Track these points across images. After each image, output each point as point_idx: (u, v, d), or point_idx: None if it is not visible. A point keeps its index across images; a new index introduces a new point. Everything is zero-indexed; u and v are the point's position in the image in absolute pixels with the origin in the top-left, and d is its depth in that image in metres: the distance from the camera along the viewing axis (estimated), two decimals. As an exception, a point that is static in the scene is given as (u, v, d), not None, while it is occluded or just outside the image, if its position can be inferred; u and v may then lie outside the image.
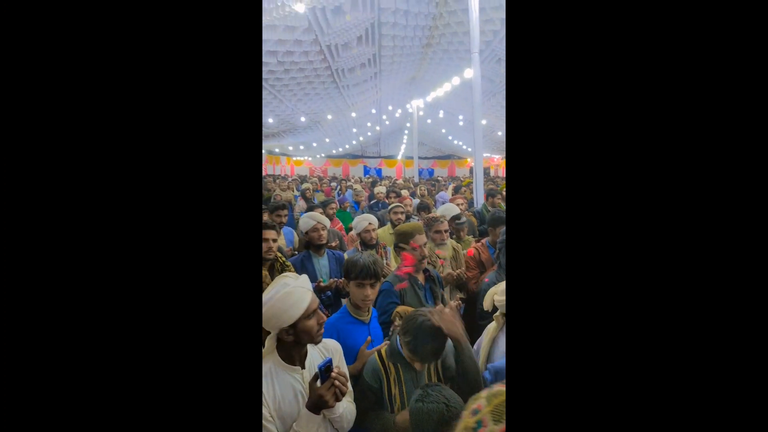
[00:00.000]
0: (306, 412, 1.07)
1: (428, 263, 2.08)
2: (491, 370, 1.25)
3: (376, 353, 1.33)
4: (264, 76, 7.66)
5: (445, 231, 2.53)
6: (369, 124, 15.36)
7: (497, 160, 20.65)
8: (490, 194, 4.22)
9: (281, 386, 1.11)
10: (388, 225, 3.35)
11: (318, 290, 2.16)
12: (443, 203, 5.54)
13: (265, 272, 2.11)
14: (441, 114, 13.91)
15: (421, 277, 1.98)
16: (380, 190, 5.87)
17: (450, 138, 18.48)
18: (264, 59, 6.98)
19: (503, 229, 2.26)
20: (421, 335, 1.18)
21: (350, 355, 1.41)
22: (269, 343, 1.15)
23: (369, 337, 1.46)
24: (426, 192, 6.62)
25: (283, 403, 1.10)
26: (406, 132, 17.44)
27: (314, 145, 17.62)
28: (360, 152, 22.18)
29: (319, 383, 1.08)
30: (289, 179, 12.81)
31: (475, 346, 1.42)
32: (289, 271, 2.19)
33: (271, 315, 1.08)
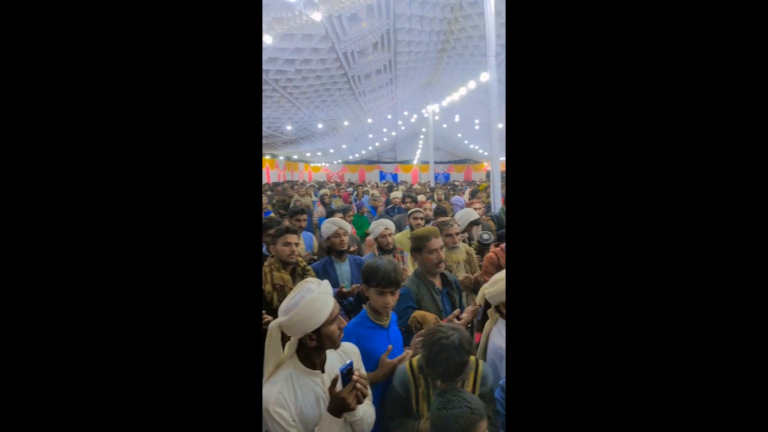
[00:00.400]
0: (328, 416, 1.08)
1: (445, 267, 2.07)
2: (502, 387, 1.25)
3: (407, 363, 1.33)
4: (282, 84, 7.80)
5: (457, 234, 2.52)
6: (385, 130, 15.44)
7: (515, 164, 20.37)
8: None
9: (302, 391, 1.13)
10: (406, 230, 3.36)
11: (340, 296, 2.17)
12: (459, 207, 5.54)
13: (287, 276, 2.14)
14: (457, 118, 13.88)
15: (437, 282, 1.97)
16: (396, 195, 5.88)
17: (466, 142, 18.40)
18: (282, 68, 7.11)
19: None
20: (436, 353, 1.15)
21: (368, 360, 1.41)
22: (289, 348, 1.17)
23: (390, 346, 1.46)
24: (443, 196, 6.60)
25: (305, 407, 1.11)
26: (422, 137, 17.43)
27: (331, 151, 17.81)
28: (376, 158, 22.30)
29: (340, 386, 1.09)
30: (307, 185, 12.98)
31: None
32: (310, 275, 2.21)
33: (296, 321, 1.10)
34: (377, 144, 18.47)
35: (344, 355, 1.24)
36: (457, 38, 8.17)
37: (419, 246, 1.95)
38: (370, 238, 3.31)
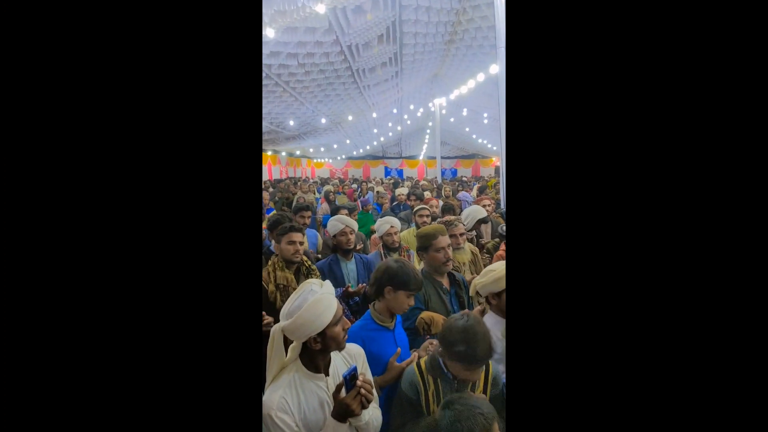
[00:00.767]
0: (332, 421, 1.07)
1: (453, 267, 2.06)
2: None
3: (414, 365, 1.33)
4: (285, 78, 7.79)
5: (461, 235, 2.50)
6: (390, 124, 15.38)
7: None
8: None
9: (306, 395, 1.12)
10: (412, 228, 3.34)
11: (346, 296, 2.16)
12: (467, 204, 5.50)
13: (290, 275, 2.13)
14: (465, 112, 13.79)
15: (445, 281, 1.96)
16: (402, 191, 5.87)
17: (474, 137, 18.30)
18: (285, 62, 7.10)
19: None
20: (471, 337, 1.16)
21: (375, 363, 1.40)
22: (292, 353, 1.16)
23: (398, 349, 1.45)
24: (451, 193, 6.56)
25: (309, 411, 1.11)
26: (428, 131, 17.37)
27: (335, 146, 17.79)
28: (381, 153, 22.26)
29: (344, 392, 1.08)
30: (310, 181, 13.00)
31: None
32: (315, 275, 2.20)
33: (300, 324, 1.09)
34: (382, 139, 18.45)
35: (349, 357, 1.24)
36: (465, 29, 8.10)
37: (425, 244, 1.94)
38: (375, 236, 3.30)
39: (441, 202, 4.77)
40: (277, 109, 9.83)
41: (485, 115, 13.58)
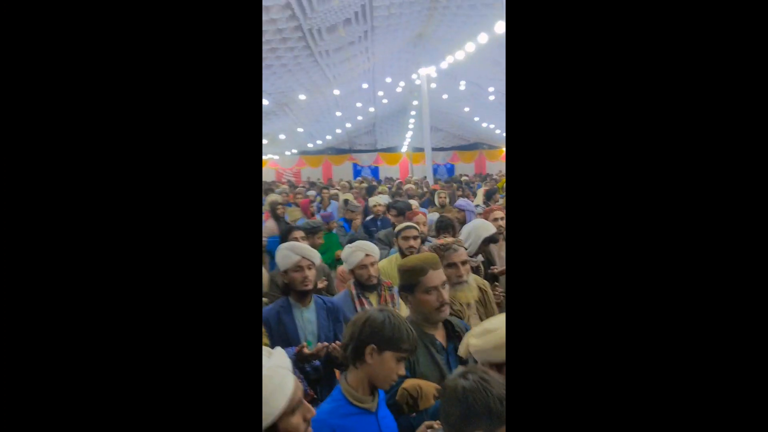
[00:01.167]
0: None
1: (450, 312, 2.06)
2: None
3: None
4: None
5: (463, 263, 2.40)
6: (359, 105, 15.52)
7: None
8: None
9: None
10: (395, 255, 3.35)
11: (300, 359, 2.14)
12: (471, 215, 5.52)
13: None
14: (462, 85, 14.05)
15: (440, 334, 1.95)
16: (378, 200, 5.90)
17: (476, 119, 18.63)
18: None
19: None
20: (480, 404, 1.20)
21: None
22: None
23: None
24: (447, 200, 6.62)
25: None
26: (413, 113, 17.58)
27: (281, 137, 17.74)
28: (347, 144, 22.37)
29: None
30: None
31: None
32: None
33: None
34: (348, 125, 18.53)
35: None
36: (459, -27, 8.32)
37: (411, 282, 1.92)
38: (343, 268, 3.29)
39: (432, 216, 4.81)
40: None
41: (490, 89, 13.86)
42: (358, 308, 2.63)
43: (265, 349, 1.19)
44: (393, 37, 10.66)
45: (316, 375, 2.26)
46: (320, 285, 3.04)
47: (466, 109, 17.38)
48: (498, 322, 1.54)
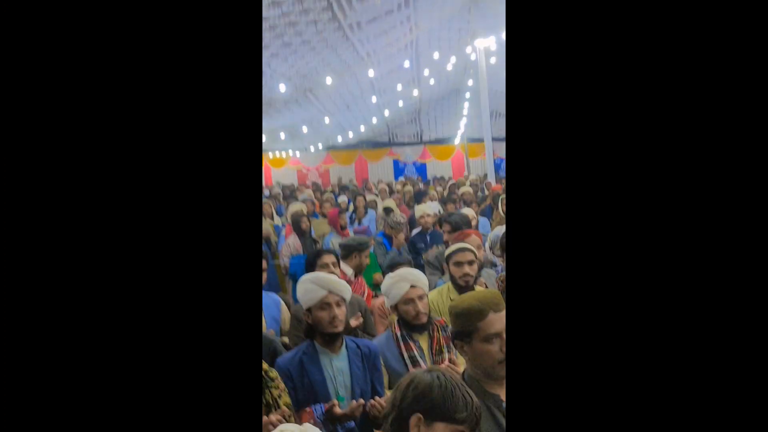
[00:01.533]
0: None
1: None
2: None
3: None
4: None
5: None
6: (400, 88, 15.52)
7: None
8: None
9: None
10: (447, 284, 3.29)
11: (331, 419, 2.14)
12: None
13: None
14: (530, 59, 13.90)
15: (504, 393, 1.91)
16: (426, 209, 5.83)
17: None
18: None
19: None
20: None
21: None
22: None
23: None
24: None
25: None
26: (468, 96, 17.51)
27: (304, 129, 17.96)
28: (386, 136, 22.42)
29: None
30: (264, 193, 13.01)
31: None
32: (276, 386, 2.19)
33: None
34: (387, 113, 18.59)
35: None
36: None
37: (467, 328, 1.90)
38: (381, 300, 3.24)
39: (498, 230, 4.68)
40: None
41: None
42: (404, 354, 2.63)
43: (293, 427, 1.19)
44: (441, 2, 10.63)
45: (350, 439, 2.25)
46: (354, 323, 3.04)
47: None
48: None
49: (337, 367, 2.44)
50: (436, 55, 13.46)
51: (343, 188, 14.18)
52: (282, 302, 3.69)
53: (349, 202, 9.41)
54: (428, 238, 5.46)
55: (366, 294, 3.90)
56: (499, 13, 11.42)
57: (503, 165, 20.97)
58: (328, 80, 12.05)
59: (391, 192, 10.93)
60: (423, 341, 2.69)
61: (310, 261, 3.54)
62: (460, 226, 4.26)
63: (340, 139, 20.81)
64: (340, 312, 2.42)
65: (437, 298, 3.15)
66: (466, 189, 8.95)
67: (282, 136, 18.12)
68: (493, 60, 13.32)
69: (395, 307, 2.73)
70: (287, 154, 21.99)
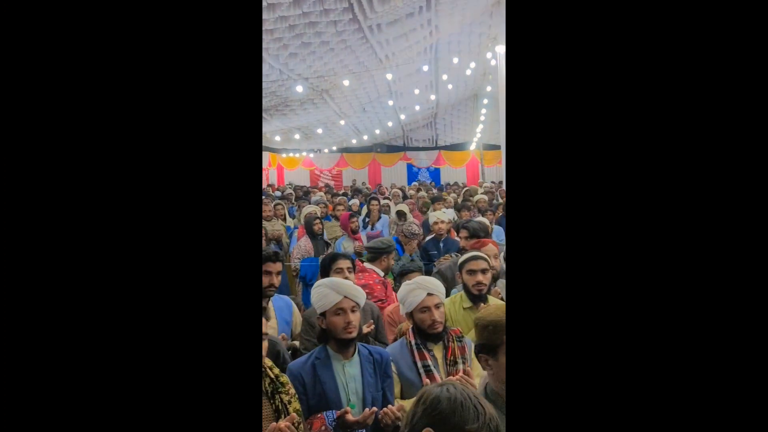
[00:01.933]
0: None
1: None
2: None
3: None
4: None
5: None
6: (417, 92, 15.54)
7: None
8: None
9: None
10: (459, 293, 3.27)
11: (342, 426, 2.14)
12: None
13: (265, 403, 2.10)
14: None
15: None
16: (441, 215, 5.79)
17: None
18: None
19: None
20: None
21: None
22: None
23: None
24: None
25: None
26: (486, 102, 17.47)
27: (319, 131, 18.01)
28: (401, 140, 22.43)
29: None
30: (275, 195, 13.00)
31: None
32: (286, 391, 2.17)
33: None
34: (402, 117, 18.61)
35: None
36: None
37: (494, 342, 1.89)
38: (393, 309, 3.22)
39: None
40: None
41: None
42: (418, 363, 2.61)
43: None
44: (463, 6, 10.60)
45: (364, 448, 2.24)
46: (366, 330, 3.03)
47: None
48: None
49: (349, 373, 2.44)
50: (455, 60, 13.45)
51: (356, 191, 14.13)
52: (294, 305, 3.68)
53: (361, 206, 9.37)
54: (441, 245, 5.43)
55: (373, 283, 3.92)
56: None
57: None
58: (345, 82, 12.07)
59: (405, 197, 10.87)
60: (437, 351, 2.67)
61: (325, 265, 3.51)
62: (478, 233, 4.24)
63: (354, 141, 20.89)
64: (355, 318, 2.42)
65: (450, 306, 3.13)
66: (481, 197, 8.83)
67: (297, 136, 18.17)
68: (512, 67, 13.27)
69: (411, 315, 2.71)
70: (301, 155, 22.04)
